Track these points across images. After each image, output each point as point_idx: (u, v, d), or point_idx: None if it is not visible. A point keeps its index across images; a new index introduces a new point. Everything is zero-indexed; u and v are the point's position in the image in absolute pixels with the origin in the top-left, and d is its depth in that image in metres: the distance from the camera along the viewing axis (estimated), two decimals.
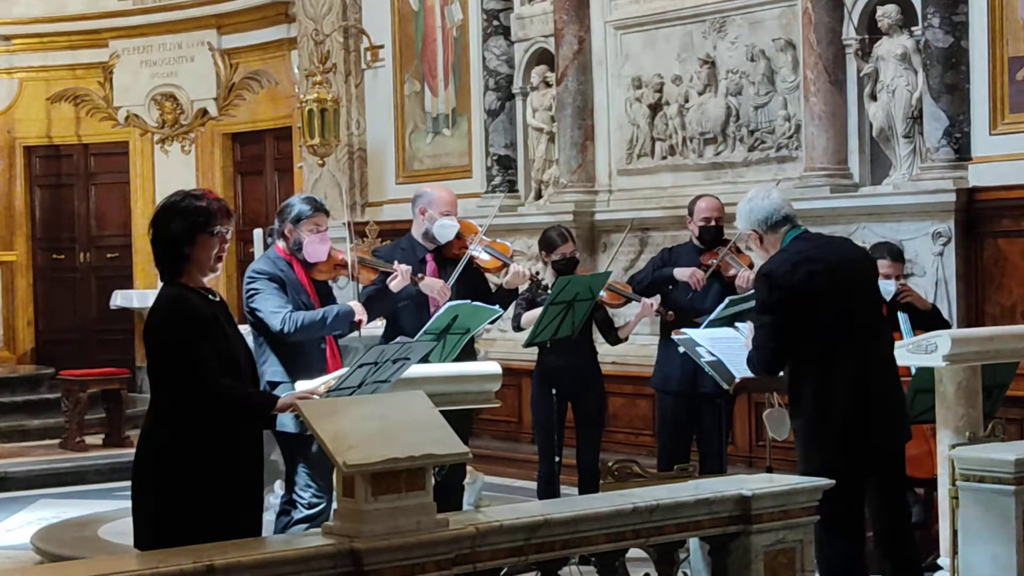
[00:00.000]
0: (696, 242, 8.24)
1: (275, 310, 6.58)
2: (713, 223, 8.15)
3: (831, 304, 5.82)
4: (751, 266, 8.11)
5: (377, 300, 7.20)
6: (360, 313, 6.73)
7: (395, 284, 7.16)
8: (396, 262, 7.26)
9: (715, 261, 8.06)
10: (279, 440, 6.71)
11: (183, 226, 4.91)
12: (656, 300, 8.10)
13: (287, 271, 6.72)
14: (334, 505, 4.65)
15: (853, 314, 5.87)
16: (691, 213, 8.26)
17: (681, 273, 8.06)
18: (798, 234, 5.99)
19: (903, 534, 6.08)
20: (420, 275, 7.34)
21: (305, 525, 6.53)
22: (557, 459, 7.98)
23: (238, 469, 4.92)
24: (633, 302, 8.25)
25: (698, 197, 8.38)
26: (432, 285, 7.36)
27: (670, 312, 7.93)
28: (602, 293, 7.96)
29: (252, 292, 6.64)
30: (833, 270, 5.88)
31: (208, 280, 5.06)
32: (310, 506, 6.64)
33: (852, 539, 5.89)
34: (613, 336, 8.28)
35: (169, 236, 4.93)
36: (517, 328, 8.15)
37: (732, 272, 8.01)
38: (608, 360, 9.58)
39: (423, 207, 7.60)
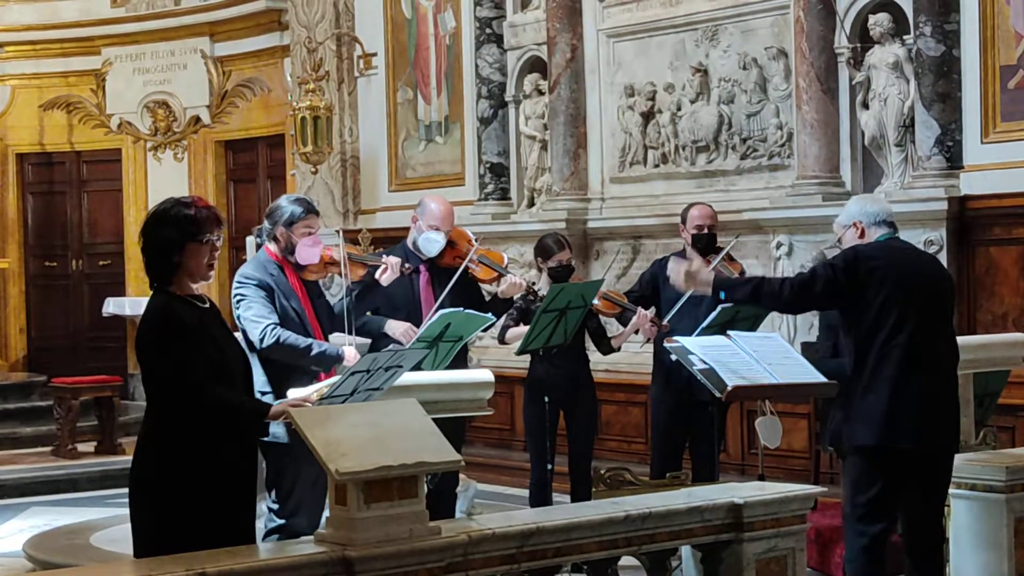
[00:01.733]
0: (690, 250, 8.22)
1: (257, 319, 6.44)
2: (706, 230, 8.12)
3: (895, 304, 5.89)
4: (742, 274, 8.08)
5: (367, 294, 7.13)
6: (353, 360, 6.44)
7: (385, 277, 7.04)
8: (385, 256, 7.19)
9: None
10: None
11: (173, 234, 4.89)
12: (651, 311, 8.07)
13: (277, 275, 6.62)
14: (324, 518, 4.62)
15: (916, 319, 5.90)
16: (684, 220, 8.22)
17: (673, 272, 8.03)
18: (891, 237, 6.16)
19: (932, 549, 6.06)
20: (408, 266, 7.25)
21: (276, 536, 6.46)
22: (549, 466, 7.97)
23: (232, 477, 4.91)
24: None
25: (691, 205, 8.33)
26: (395, 328, 7.25)
27: (665, 323, 7.90)
28: (596, 302, 7.95)
29: (239, 298, 6.55)
30: (910, 271, 6.00)
31: (199, 286, 5.05)
32: (278, 515, 6.57)
33: (877, 525, 5.89)
34: (606, 345, 8.27)
35: (159, 244, 4.92)
36: (502, 341, 8.14)
37: None
38: (601, 368, 9.59)
39: (416, 216, 7.59)
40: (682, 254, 8.25)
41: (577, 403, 8.12)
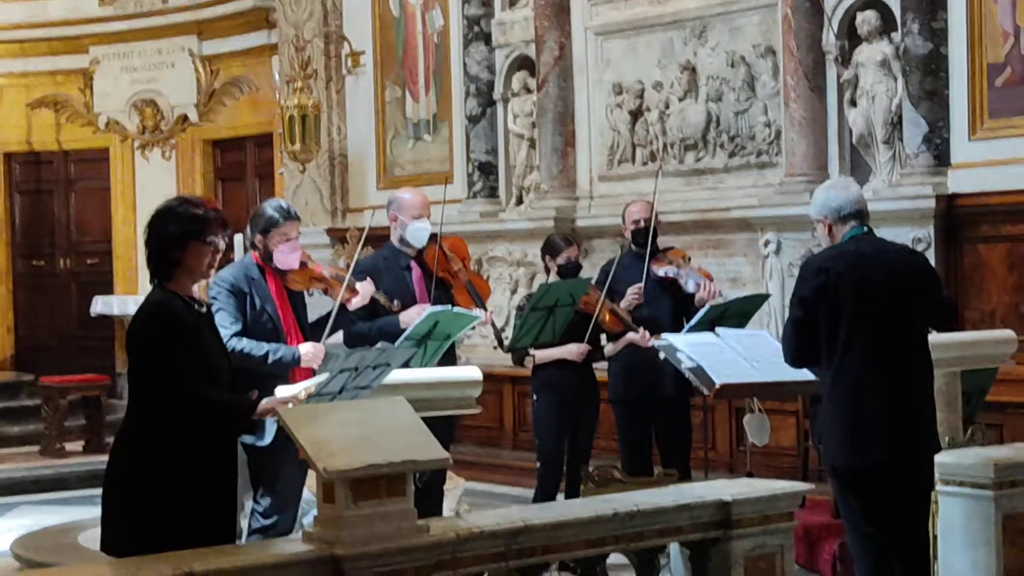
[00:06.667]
0: (633, 247, 8.23)
1: (219, 327, 6.44)
2: (642, 223, 8.15)
3: (852, 316, 5.68)
4: (709, 277, 8.07)
5: (344, 311, 7.06)
6: (310, 362, 6.42)
7: (353, 304, 6.91)
8: (355, 281, 6.96)
9: (666, 270, 8.02)
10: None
11: (177, 231, 4.94)
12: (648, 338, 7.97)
13: (258, 279, 6.59)
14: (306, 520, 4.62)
15: (880, 320, 5.73)
16: (623, 219, 8.30)
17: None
18: (856, 234, 5.87)
19: (918, 555, 6.01)
20: (397, 304, 7.18)
21: (258, 536, 6.44)
22: (565, 468, 7.97)
23: (212, 474, 4.92)
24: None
25: (630, 202, 8.44)
26: (408, 318, 7.13)
27: (650, 342, 7.79)
28: (605, 316, 7.93)
29: (210, 301, 6.56)
30: (868, 276, 5.75)
31: (197, 288, 5.08)
32: (265, 515, 6.55)
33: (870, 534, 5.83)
34: (599, 353, 8.25)
35: (162, 239, 4.96)
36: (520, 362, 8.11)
37: (691, 290, 7.98)
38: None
39: (394, 213, 7.55)
40: (630, 254, 8.23)
41: (586, 404, 8.10)
